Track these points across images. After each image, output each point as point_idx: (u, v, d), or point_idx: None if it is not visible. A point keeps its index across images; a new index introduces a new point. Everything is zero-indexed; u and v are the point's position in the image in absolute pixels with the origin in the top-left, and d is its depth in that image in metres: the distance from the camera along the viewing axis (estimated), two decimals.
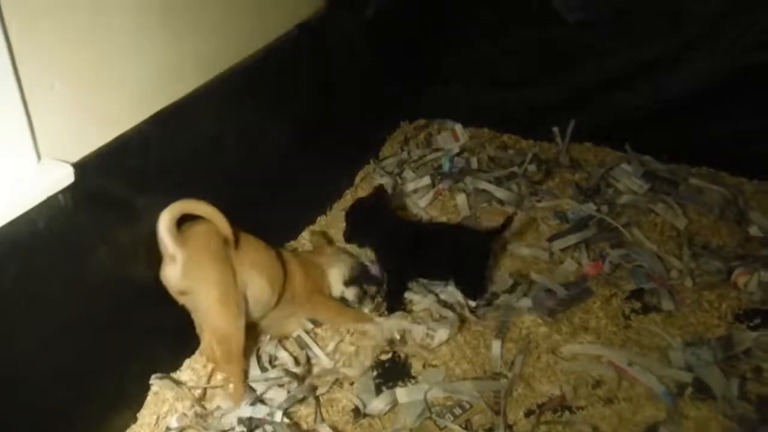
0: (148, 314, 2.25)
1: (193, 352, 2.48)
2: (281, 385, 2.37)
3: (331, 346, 2.55)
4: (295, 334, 2.57)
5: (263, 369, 2.45)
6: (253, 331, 2.45)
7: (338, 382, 2.41)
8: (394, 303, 2.72)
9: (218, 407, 2.32)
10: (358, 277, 2.73)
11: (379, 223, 2.82)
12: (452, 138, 3.74)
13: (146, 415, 2.29)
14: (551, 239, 3.04)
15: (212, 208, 2.19)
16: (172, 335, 2.40)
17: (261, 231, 2.47)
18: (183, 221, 2.20)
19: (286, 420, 2.23)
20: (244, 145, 2.62)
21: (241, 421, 2.24)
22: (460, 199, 3.29)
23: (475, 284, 2.75)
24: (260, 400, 2.30)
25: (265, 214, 2.66)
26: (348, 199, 3.36)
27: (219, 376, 2.41)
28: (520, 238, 3.07)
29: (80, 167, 1.87)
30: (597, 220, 3.12)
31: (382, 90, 3.58)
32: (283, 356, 2.49)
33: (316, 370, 2.46)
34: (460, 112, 3.84)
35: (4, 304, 1.78)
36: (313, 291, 2.62)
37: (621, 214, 3.18)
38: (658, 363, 2.45)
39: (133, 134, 2.10)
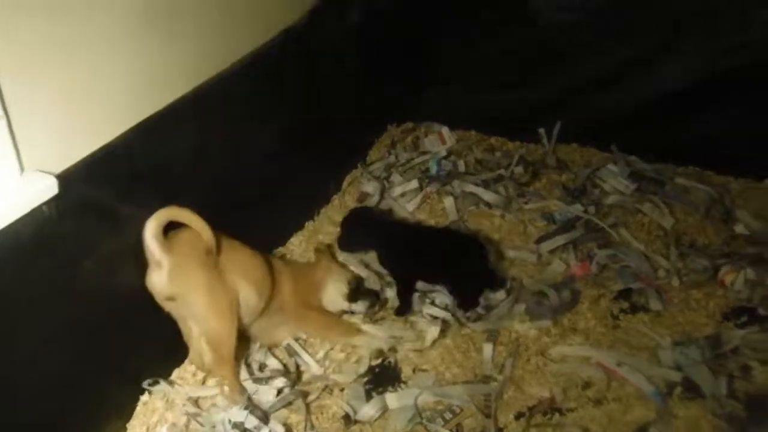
0: (136, 324, 2.23)
1: (181, 362, 2.46)
2: (271, 387, 2.36)
3: (321, 354, 2.54)
4: (284, 343, 2.56)
5: (251, 374, 2.44)
6: (243, 338, 2.43)
7: (328, 389, 2.40)
8: (405, 308, 2.72)
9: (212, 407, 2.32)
10: (356, 291, 2.71)
11: (376, 230, 2.84)
12: (439, 141, 3.74)
13: (136, 426, 2.27)
14: (539, 241, 3.05)
15: (196, 216, 2.18)
16: (160, 345, 2.38)
17: (249, 237, 2.46)
18: (169, 228, 2.19)
19: (280, 430, 2.22)
20: (231, 152, 2.61)
21: (235, 425, 2.23)
22: (448, 202, 3.29)
23: (468, 294, 2.73)
24: (250, 400, 2.30)
25: (253, 220, 2.66)
26: (336, 203, 3.36)
27: (211, 382, 2.40)
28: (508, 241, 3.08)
29: (64, 178, 1.86)
30: (584, 221, 3.13)
31: (369, 94, 3.58)
32: (273, 363, 2.48)
33: (306, 377, 2.46)
34: (447, 115, 3.85)
35: None
36: (301, 304, 2.60)
37: (608, 215, 3.19)
38: (647, 363, 2.46)
39: (118, 143, 2.09)
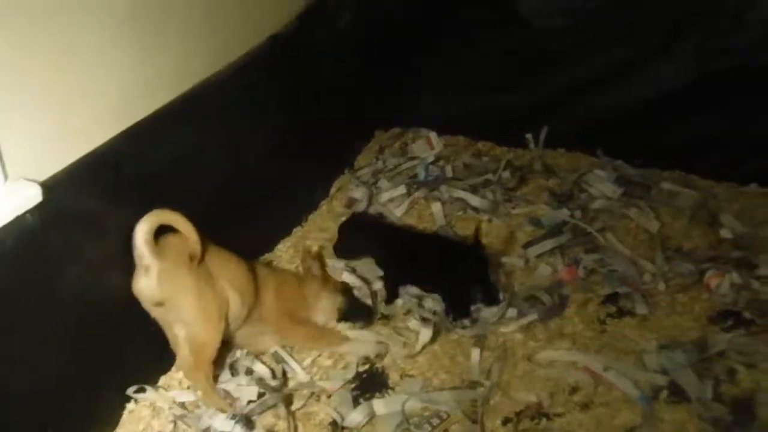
0: (122, 332, 2.23)
1: (168, 369, 2.45)
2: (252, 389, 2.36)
3: (308, 361, 2.54)
4: (272, 350, 2.55)
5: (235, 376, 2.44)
6: (223, 345, 2.40)
7: (315, 396, 2.40)
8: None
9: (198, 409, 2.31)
10: (350, 308, 2.69)
11: (375, 236, 2.87)
12: (427, 146, 3.75)
13: None
14: (526, 246, 3.06)
15: (185, 220, 2.17)
16: (147, 352, 2.37)
17: (236, 243, 2.45)
18: (158, 233, 2.17)
19: None
20: (217, 158, 2.61)
21: None
22: (436, 207, 3.30)
23: (460, 303, 2.72)
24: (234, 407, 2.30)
25: (241, 226, 2.65)
26: (323, 210, 3.36)
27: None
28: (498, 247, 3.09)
29: (48, 187, 1.86)
30: (571, 226, 3.14)
31: (356, 100, 3.59)
32: (260, 369, 2.47)
33: (292, 384, 2.45)
34: (434, 120, 3.86)
35: None
36: (283, 315, 2.56)
37: (595, 219, 3.20)
38: (633, 367, 2.47)
39: (103, 150, 2.09)
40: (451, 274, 2.74)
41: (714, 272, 2.82)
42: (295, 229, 3.21)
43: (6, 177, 1.80)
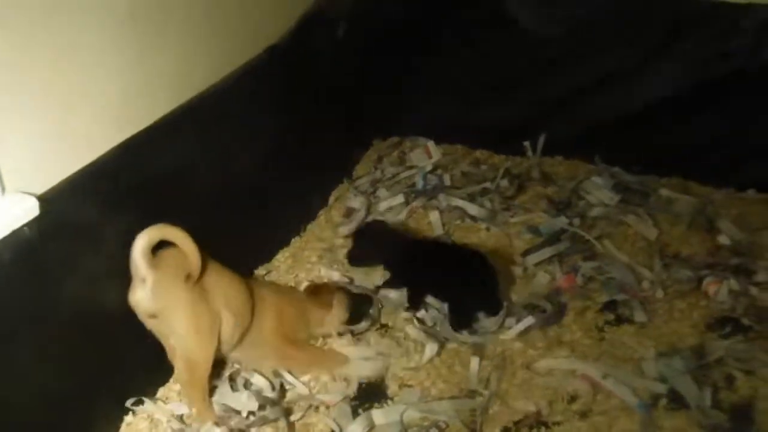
0: (119, 344, 2.22)
1: (166, 380, 2.45)
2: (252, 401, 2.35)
3: (307, 376, 2.51)
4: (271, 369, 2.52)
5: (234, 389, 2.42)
6: (218, 362, 2.38)
7: (313, 407, 2.39)
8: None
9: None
10: (352, 318, 2.69)
11: (390, 244, 2.88)
12: (425, 155, 3.75)
13: None
14: (525, 254, 3.06)
15: (187, 237, 2.14)
16: (144, 364, 2.36)
17: (234, 253, 2.44)
18: (157, 245, 2.17)
19: None
20: (215, 168, 2.61)
21: None
22: (434, 216, 3.30)
23: (463, 315, 2.70)
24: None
25: (239, 237, 2.66)
26: (322, 219, 3.36)
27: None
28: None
29: (45, 199, 1.86)
30: (570, 234, 3.14)
31: (354, 109, 3.59)
32: (259, 381, 2.46)
33: (291, 396, 2.43)
34: (432, 129, 3.86)
35: None
36: (285, 340, 2.50)
37: (593, 227, 3.20)
38: (632, 375, 2.46)
39: (101, 162, 2.09)
40: (457, 283, 2.74)
41: (712, 279, 2.82)
42: (293, 239, 3.21)
43: (3, 190, 1.81)
